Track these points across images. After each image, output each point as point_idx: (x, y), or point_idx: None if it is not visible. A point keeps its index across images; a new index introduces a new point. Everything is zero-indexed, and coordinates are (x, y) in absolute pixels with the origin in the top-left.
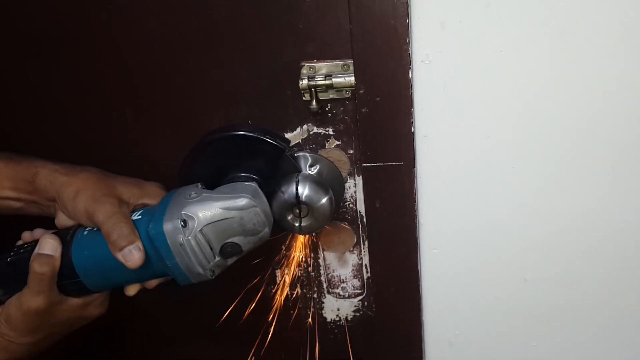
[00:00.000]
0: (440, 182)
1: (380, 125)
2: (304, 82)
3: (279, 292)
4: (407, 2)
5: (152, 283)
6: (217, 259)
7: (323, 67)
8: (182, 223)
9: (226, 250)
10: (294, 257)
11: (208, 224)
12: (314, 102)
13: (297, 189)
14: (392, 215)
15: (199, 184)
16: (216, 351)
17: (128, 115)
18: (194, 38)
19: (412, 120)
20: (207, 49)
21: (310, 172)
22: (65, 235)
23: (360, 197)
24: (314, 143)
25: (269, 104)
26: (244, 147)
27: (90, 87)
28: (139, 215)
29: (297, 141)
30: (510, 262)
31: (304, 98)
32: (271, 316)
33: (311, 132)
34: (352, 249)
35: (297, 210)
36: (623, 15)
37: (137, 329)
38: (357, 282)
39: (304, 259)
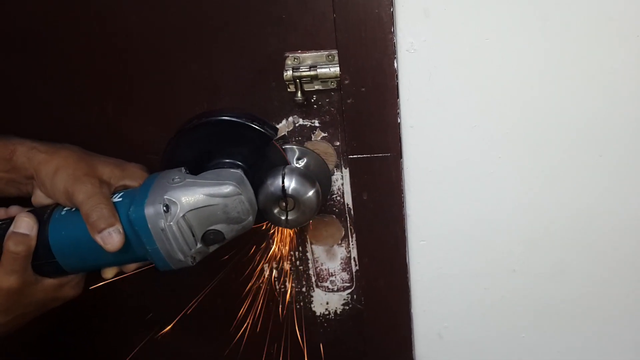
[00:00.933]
0: (427, 173)
1: (366, 116)
2: (289, 73)
3: (267, 286)
4: None
5: (131, 267)
6: (199, 245)
7: (308, 57)
8: (164, 208)
9: (208, 237)
10: (281, 250)
11: (191, 210)
12: (299, 94)
13: (283, 182)
14: (380, 207)
15: (182, 168)
16: (205, 345)
17: (109, 110)
18: (174, 30)
19: (398, 110)
20: (188, 41)
21: (297, 164)
22: (42, 214)
23: (347, 189)
24: (300, 135)
25: (253, 96)
26: (231, 133)
27: (71, 82)
28: (119, 198)
29: (283, 133)
30: (499, 253)
31: (288, 89)
32: (259, 310)
33: (297, 124)
34: (340, 242)
35: (284, 204)
36: (609, 2)
37: (125, 324)
38: (345, 275)
39: (292, 252)
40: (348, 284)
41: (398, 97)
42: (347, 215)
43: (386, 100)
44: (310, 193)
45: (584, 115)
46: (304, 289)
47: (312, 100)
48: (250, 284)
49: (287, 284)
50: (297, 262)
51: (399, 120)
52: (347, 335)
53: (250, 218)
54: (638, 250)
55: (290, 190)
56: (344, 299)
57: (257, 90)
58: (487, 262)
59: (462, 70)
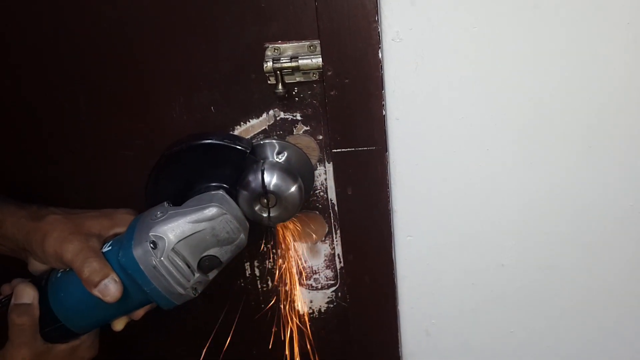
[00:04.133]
0: (413, 167)
1: (350, 109)
2: (269, 65)
3: (249, 286)
4: None
5: (139, 313)
6: (197, 275)
7: (288, 48)
8: (151, 245)
9: (204, 264)
10: (263, 249)
11: (179, 241)
12: (279, 86)
13: (263, 177)
14: (365, 202)
15: (165, 202)
16: (184, 345)
17: (81, 104)
18: (149, 19)
19: (384, 102)
20: (164, 31)
21: (277, 159)
22: (40, 281)
23: (331, 184)
24: (282, 129)
25: (233, 88)
26: (205, 157)
27: (40, 75)
28: (109, 247)
29: (263, 127)
30: (487, 248)
31: (269, 82)
32: (242, 310)
33: (278, 118)
34: (323, 238)
35: (265, 200)
36: None
37: None
38: (330, 273)
39: (274, 250)
40: (332, 282)
41: (383, 89)
42: (331, 210)
43: (371, 91)
44: (293, 189)
45: (573, 106)
46: (287, 288)
47: (294, 93)
48: (231, 284)
49: (269, 282)
50: (280, 260)
51: (384, 113)
52: (331, 334)
53: (242, 235)
54: (628, 243)
55: (271, 187)
56: (329, 297)
57: (236, 83)
58: (475, 257)
59: (450, 60)
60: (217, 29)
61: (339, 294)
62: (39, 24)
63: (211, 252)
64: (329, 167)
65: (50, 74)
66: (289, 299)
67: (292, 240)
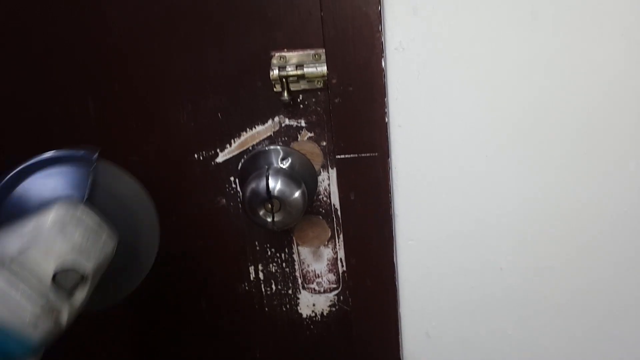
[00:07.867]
0: (415, 172)
1: (354, 116)
2: (275, 73)
3: (253, 289)
4: None
5: None
6: (53, 295)
7: (294, 57)
8: None
9: (61, 281)
10: (267, 252)
11: (12, 260)
12: (285, 94)
13: (267, 183)
14: (367, 207)
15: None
16: (189, 349)
17: (91, 109)
18: (157, 26)
19: (386, 109)
20: (171, 38)
21: (281, 165)
22: None
23: (334, 189)
24: (287, 135)
25: (239, 95)
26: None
27: (49, 79)
28: None
29: (268, 134)
30: (486, 251)
31: (275, 89)
32: (245, 313)
33: (283, 125)
34: (326, 242)
35: (270, 205)
36: (597, 3)
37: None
38: (332, 277)
39: (277, 254)
40: (335, 286)
41: (386, 96)
42: (334, 215)
43: (374, 99)
44: (296, 194)
45: (570, 114)
46: (290, 291)
47: (299, 100)
48: (235, 287)
49: (273, 286)
50: (284, 264)
51: (386, 120)
52: (333, 337)
53: (106, 237)
54: (625, 247)
55: (275, 192)
56: (331, 301)
57: (242, 90)
58: (475, 261)
59: (451, 69)
60: (226, 38)
61: (341, 297)
62: (49, 25)
63: (67, 264)
64: (333, 172)
65: (60, 79)
66: (292, 302)
67: (295, 244)
